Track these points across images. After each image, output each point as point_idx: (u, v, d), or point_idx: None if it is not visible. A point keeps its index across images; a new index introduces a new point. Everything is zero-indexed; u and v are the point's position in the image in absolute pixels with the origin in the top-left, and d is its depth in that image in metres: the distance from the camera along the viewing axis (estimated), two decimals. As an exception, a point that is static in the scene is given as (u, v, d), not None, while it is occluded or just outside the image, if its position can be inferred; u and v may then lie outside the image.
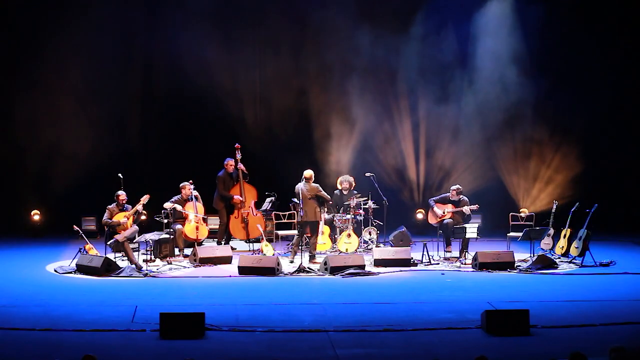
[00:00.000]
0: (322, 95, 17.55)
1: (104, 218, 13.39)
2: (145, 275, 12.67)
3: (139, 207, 13.41)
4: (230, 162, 15.08)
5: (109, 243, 13.28)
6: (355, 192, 15.16)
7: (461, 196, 14.52)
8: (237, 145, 15.17)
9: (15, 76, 17.53)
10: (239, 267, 12.93)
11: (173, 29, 17.35)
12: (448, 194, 14.63)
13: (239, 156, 15.09)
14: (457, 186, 14.61)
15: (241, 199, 14.99)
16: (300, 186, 13.77)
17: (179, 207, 14.01)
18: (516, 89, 17.51)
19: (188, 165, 16.48)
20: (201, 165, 16.38)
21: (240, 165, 15.08)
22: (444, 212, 14.44)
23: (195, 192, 14.21)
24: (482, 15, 17.64)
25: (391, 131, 17.93)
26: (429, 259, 13.80)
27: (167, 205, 13.99)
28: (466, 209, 14.33)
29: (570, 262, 13.78)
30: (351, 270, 12.75)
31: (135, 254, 13.41)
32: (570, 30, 17.53)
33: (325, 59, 17.45)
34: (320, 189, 13.86)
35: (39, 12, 17.23)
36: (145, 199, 13.48)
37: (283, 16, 17.57)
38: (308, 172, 13.88)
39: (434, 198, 14.79)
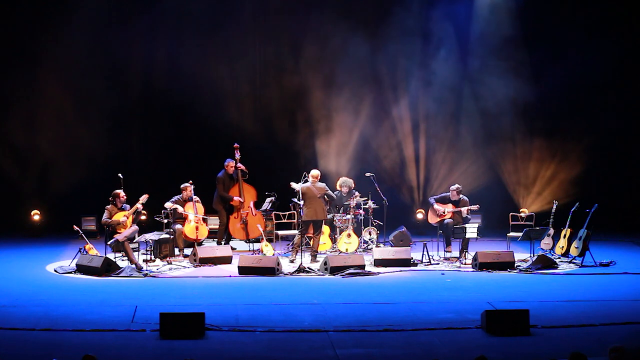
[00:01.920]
0: (322, 94, 17.51)
1: (103, 217, 13.40)
2: (145, 275, 12.67)
3: (138, 205, 13.42)
4: (230, 164, 15.07)
5: (109, 243, 13.28)
6: (355, 192, 15.14)
7: (461, 196, 14.51)
8: (235, 145, 15.16)
9: (15, 77, 17.51)
10: (239, 267, 12.93)
11: (172, 31, 17.36)
12: (448, 193, 14.62)
13: (238, 156, 15.08)
14: (457, 186, 14.61)
15: (241, 199, 14.98)
16: (307, 185, 13.79)
17: (180, 209, 14.01)
18: (516, 89, 17.50)
19: (188, 166, 16.47)
20: (200, 166, 16.37)
21: (240, 165, 15.07)
22: (444, 212, 14.44)
23: (196, 198, 14.21)
24: (479, 10, 17.64)
25: (391, 131, 17.92)
26: (429, 259, 13.80)
27: (168, 204, 14.00)
28: (464, 211, 14.32)
29: (570, 262, 13.78)
30: (351, 270, 12.75)
31: (135, 254, 13.41)
32: (569, 29, 17.53)
33: (325, 59, 17.44)
34: (327, 188, 13.90)
35: (38, 14, 17.23)
36: (144, 198, 13.49)
37: (282, 18, 17.55)
38: (316, 172, 13.95)
39: (434, 197, 14.78)
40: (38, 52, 17.31)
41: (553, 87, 17.82)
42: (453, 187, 14.56)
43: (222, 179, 15.05)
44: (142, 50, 17.57)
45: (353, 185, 15.15)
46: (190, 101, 17.52)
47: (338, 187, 15.25)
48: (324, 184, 13.93)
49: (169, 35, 17.35)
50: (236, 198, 14.95)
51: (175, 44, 17.33)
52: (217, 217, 15.24)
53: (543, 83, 17.74)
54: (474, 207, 14.40)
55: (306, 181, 14.20)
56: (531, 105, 17.89)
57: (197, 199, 14.29)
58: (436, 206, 14.49)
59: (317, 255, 13.86)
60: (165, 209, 14.06)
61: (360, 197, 15.08)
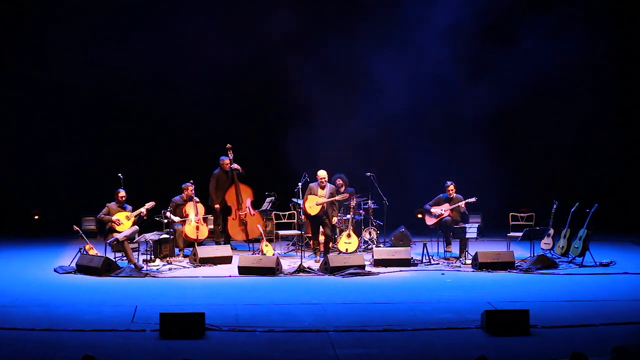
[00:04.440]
0: (320, 92, 17.43)
1: (99, 213, 13.46)
2: (145, 275, 12.68)
3: (143, 210, 13.44)
4: (225, 161, 15.01)
5: (108, 241, 13.30)
6: (352, 189, 15.14)
7: (454, 194, 14.43)
8: (228, 145, 15.10)
9: (15, 76, 17.51)
10: (239, 267, 12.94)
11: (173, 31, 17.37)
12: (440, 195, 14.53)
13: (231, 156, 15.02)
14: (452, 183, 14.51)
15: (218, 207, 14.92)
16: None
17: (177, 220, 13.97)
18: (514, 88, 17.50)
19: (188, 166, 16.45)
20: (200, 166, 16.36)
21: (235, 165, 15.04)
22: (442, 211, 14.39)
23: (197, 199, 14.23)
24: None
25: (391, 129, 17.85)
26: (429, 259, 13.80)
27: (171, 217, 13.98)
28: (462, 205, 14.28)
29: (570, 262, 13.78)
30: (351, 270, 12.76)
31: (135, 254, 13.41)
32: (568, 27, 17.54)
33: (322, 55, 17.40)
34: (307, 190, 13.95)
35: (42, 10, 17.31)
36: (150, 205, 13.52)
37: (279, 10, 17.51)
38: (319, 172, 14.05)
39: (428, 203, 14.66)
40: (37, 52, 17.35)
41: (551, 85, 17.83)
42: (448, 183, 14.47)
43: (217, 176, 15.01)
44: (141, 52, 17.51)
45: (345, 177, 15.08)
46: (190, 101, 17.54)
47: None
48: (309, 186, 13.98)
49: (163, 34, 17.32)
50: (216, 206, 14.89)
51: (168, 44, 17.32)
52: (212, 217, 15.22)
53: (541, 82, 17.73)
54: (472, 200, 14.33)
55: (307, 181, 14.23)
56: (530, 103, 17.89)
57: (198, 200, 14.30)
58: (433, 210, 14.46)
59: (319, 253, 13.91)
60: (167, 217, 14.07)
61: (360, 196, 15.09)
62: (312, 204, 13.86)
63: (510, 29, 17.34)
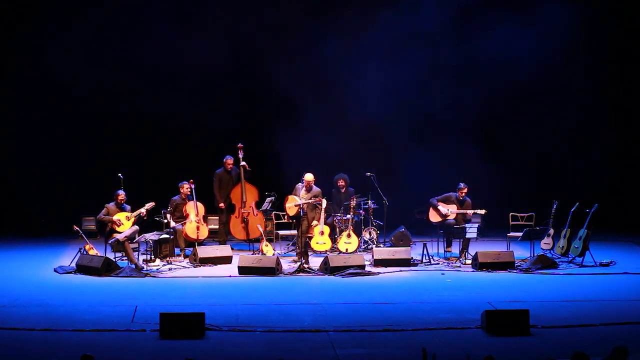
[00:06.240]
0: (319, 90, 17.42)
1: (99, 214, 13.51)
2: (145, 275, 12.68)
3: (142, 211, 13.44)
4: (229, 160, 15.06)
5: (109, 242, 13.30)
6: (352, 189, 15.11)
7: (465, 197, 14.42)
8: (239, 145, 15.15)
9: (15, 76, 17.51)
10: (239, 267, 12.94)
11: (173, 31, 17.35)
12: (451, 193, 14.53)
13: (241, 155, 15.07)
14: (466, 186, 14.46)
15: (223, 207, 14.95)
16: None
17: (179, 227, 13.96)
18: (514, 86, 17.48)
19: (188, 166, 16.44)
20: (200, 166, 16.36)
21: (243, 163, 15.05)
22: (448, 211, 14.38)
23: (198, 203, 14.25)
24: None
25: (390, 128, 17.82)
26: (429, 259, 13.80)
27: (171, 221, 13.99)
28: (469, 213, 14.28)
29: (570, 262, 13.78)
30: (351, 270, 12.76)
31: (135, 254, 13.42)
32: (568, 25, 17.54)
33: (321, 57, 17.39)
34: (293, 190, 13.92)
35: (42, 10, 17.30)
36: (150, 205, 13.52)
37: (277, 9, 17.49)
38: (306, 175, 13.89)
39: (436, 197, 14.65)
40: (36, 51, 17.35)
41: (549, 83, 17.83)
42: (462, 186, 14.43)
43: (219, 176, 15.06)
44: (141, 52, 17.49)
45: (347, 178, 15.11)
46: (191, 100, 17.54)
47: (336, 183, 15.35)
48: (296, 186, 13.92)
49: (163, 34, 17.30)
50: (220, 205, 14.93)
51: (168, 44, 17.31)
52: (217, 217, 15.23)
53: (538, 81, 17.73)
54: (481, 211, 14.32)
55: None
56: (530, 101, 17.89)
57: (200, 203, 14.31)
58: (441, 207, 14.41)
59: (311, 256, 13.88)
60: (165, 209, 14.10)
61: (360, 197, 15.09)
62: (291, 205, 13.79)
63: (510, 28, 17.34)
